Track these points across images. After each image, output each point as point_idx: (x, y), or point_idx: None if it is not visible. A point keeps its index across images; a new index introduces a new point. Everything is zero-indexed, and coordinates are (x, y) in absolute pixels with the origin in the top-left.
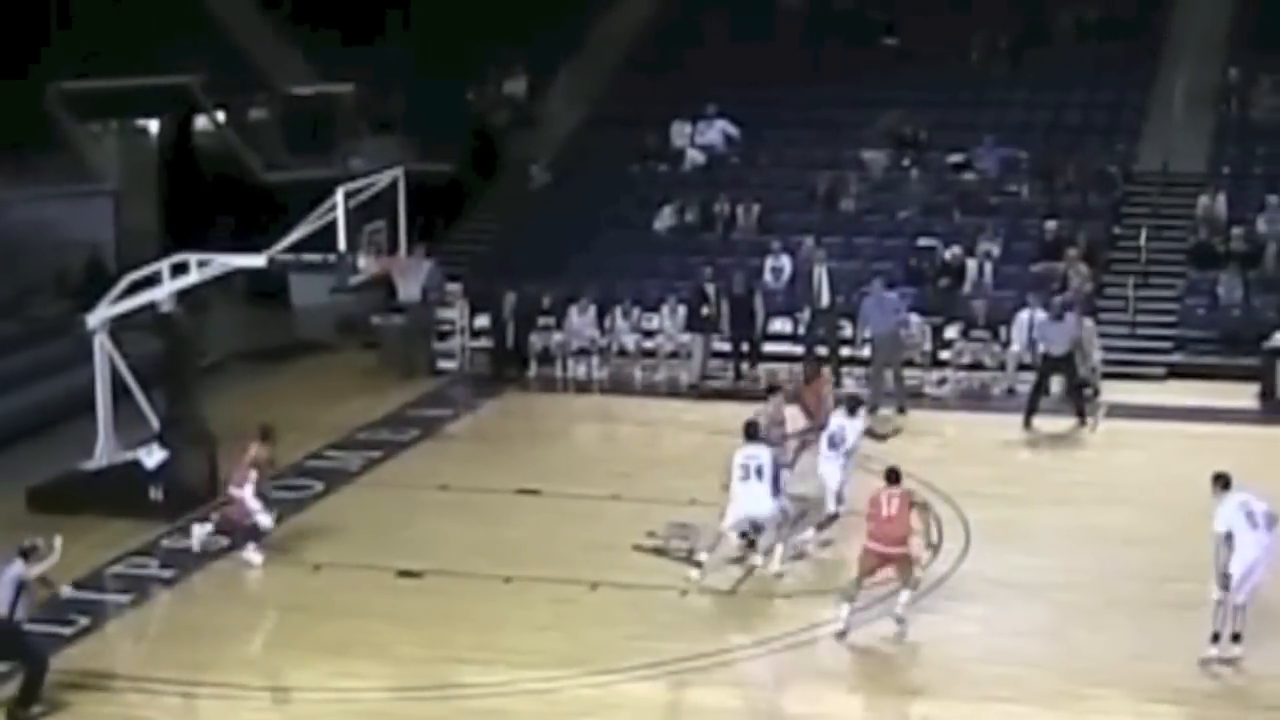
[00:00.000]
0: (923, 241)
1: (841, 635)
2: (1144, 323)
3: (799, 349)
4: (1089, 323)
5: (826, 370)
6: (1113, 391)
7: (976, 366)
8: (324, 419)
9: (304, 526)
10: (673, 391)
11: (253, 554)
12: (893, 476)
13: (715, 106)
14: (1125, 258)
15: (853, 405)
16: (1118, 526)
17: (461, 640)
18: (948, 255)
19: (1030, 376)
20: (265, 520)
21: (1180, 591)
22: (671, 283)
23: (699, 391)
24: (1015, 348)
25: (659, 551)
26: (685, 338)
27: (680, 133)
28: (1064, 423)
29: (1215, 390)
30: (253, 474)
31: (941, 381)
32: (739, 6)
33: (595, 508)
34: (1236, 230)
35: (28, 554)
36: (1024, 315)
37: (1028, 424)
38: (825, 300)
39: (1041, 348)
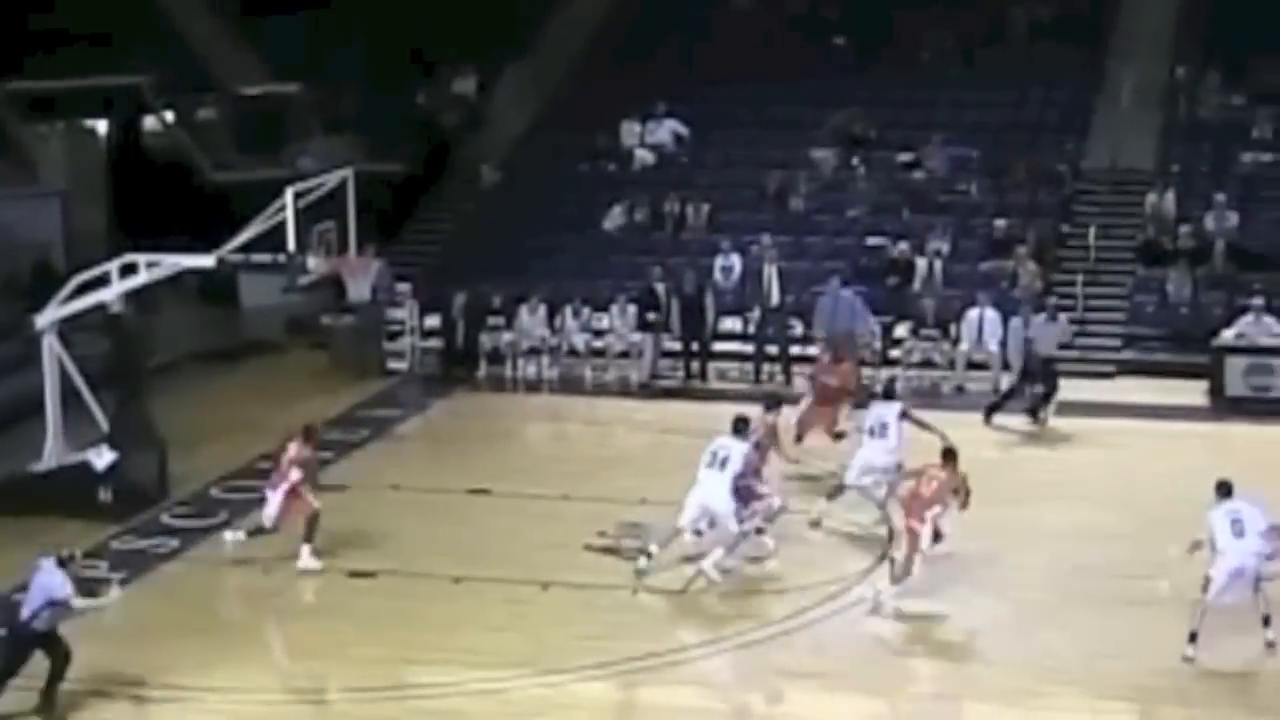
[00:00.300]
0: (872, 240)
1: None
2: (1093, 320)
3: (749, 348)
4: (1040, 319)
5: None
6: (1062, 389)
7: (926, 365)
8: (274, 420)
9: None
10: (623, 391)
11: (309, 559)
12: (947, 455)
13: (665, 106)
14: (1074, 255)
15: (888, 390)
16: (1073, 523)
17: (414, 640)
18: (897, 253)
19: (982, 374)
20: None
21: (1136, 589)
22: (621, 282)
23: (649, 391)
24: (964, 346)
25: (610, 551)
26: (635, 337)
27: (630, 132)
28: (1015, 420)
29: (1165, 387)
30: (295, 474)
31: (891, 380)
32: (689, 6)
33: (546, 507)
34: (1185, 228)
35: (65, 563)
36: (973, 313)
37: (988, 419)
38: (775, 299)
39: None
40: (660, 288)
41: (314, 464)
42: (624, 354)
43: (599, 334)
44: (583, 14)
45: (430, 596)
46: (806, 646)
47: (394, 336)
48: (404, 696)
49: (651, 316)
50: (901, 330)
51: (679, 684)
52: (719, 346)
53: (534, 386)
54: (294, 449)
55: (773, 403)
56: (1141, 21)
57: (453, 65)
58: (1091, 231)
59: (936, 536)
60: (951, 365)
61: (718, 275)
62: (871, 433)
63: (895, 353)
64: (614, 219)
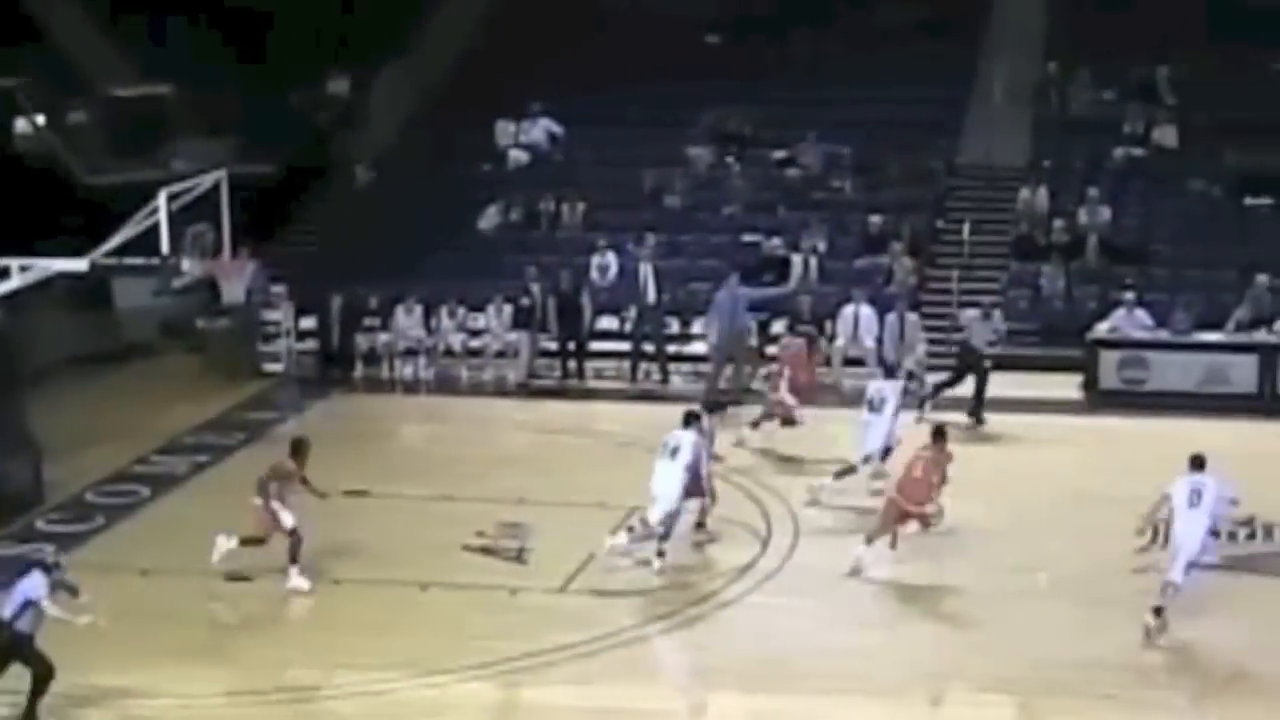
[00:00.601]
0: (748, 237)
1: (855, 573)
2: None
3: (626, 346)
4: (913, 316)
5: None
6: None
7: None
8: (150, 423)
9: (132, 532)
10: (500, 391)
11: (296, 579)
12: (936, 435)
13: (539, 105)
14: (949, 251)
15: (889, 369)
16: (950, 518)
17: (294, 643)
18: (773, 251)
19: (858, 370)
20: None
21: (1017, 582)
22: (497, 282)
23: (526, 390)
24: (840, 342)
25: (488, 551)
26: (512, 337)
27: (504, 131)
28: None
29: (1039, 381)
30: (273, 486)
31: (767, 377)
32: (564, 5)
33: (424, 508)
34: (1058, 222)
35: (50, 569)
36: (849, 309)
37: (922, 412)
38: (651, 297)
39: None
40: (536, 287)
41: (294, 478)
42: (501, 354)
43: (475, 334)
44: (458, 14)
45: (309, 599)
46: (688, 645)
47: (269, 338)
48: (285, 700)
49: (531, 309)
50: (778, 327)
51: (560, 684)
52: (596, 345)
53: (411, 387)
54: (281, 461)
55: (713, 406)
56: (1014, 19)
57: (328, 65)
58: (966, 227)
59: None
60: (828, 362)
61: (594, 274)
62: (871, 406)
63: (772, 349)
64: (489, 219)
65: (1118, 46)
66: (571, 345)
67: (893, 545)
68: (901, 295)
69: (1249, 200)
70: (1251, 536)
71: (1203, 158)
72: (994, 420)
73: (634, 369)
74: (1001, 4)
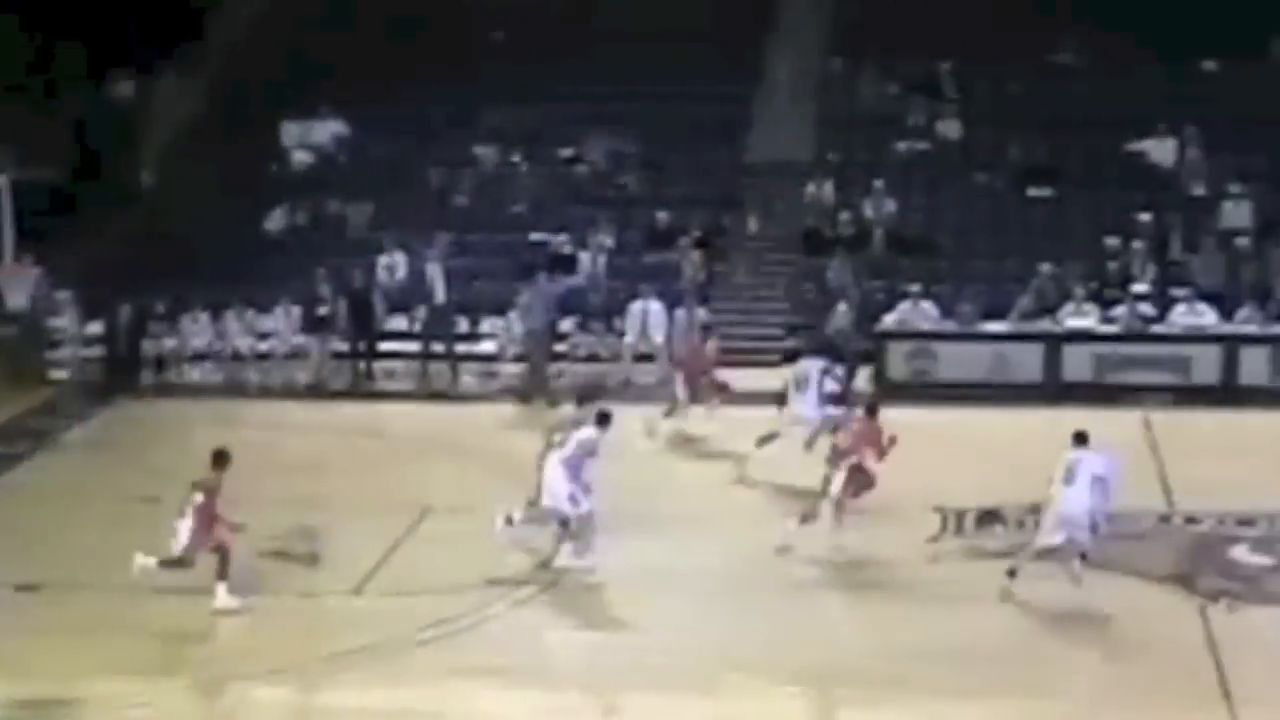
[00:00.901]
0: (535, 236)
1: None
2: (757, 309)
3: (416, 346)
4: (702, 311)
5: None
6: (729, 379)
7: (592, 359)
8: None
9: None
10: (291, 393)
11: (224, 598)
12: (870, 410)
13: (325, 106)
14: (737, 245)
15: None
16: (744, 511)
17: (85, 652)
18: (560, 248)
19: (648, 367)
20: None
21: (806, 574)
22: (285, 284)
23: (318, 392)
24: (629, 338)
25: (281, 554)
26: (301, 339)
27: (289, 133)
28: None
29: None
30: (198, 498)
31: (559, 374)
32: (349, 6)
33: None
34: (844, 216)
35: None
36: (637, 306)
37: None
38: (440, 297)
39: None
40: (325, 289)
41: (219, 491)
42: (291, 356)
43: (264, 337)
44: (242, 16)
45: (101, 607)
46: (486, 644)
47: (55, 345)
48: (74, 710)
49: (321, 311)
50: (567, 324)
51: (353, 686)
52: (386, 346)
53: (200, 392)
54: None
55: (585, 397)
56: (798, 14)
57: (109, 68)
58: (753, 222)
59: (868, 485)
60: (618, 359)
61: (382, 275)
62: (797, 386)
63: (561, 347)
64: (276, 221)
65: (901, 41)
66: (362, 346)
67: (814, 516)
68: (690, 291)
69: (1031, 191)
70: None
71: (986, 150)
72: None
73: (424, 369)
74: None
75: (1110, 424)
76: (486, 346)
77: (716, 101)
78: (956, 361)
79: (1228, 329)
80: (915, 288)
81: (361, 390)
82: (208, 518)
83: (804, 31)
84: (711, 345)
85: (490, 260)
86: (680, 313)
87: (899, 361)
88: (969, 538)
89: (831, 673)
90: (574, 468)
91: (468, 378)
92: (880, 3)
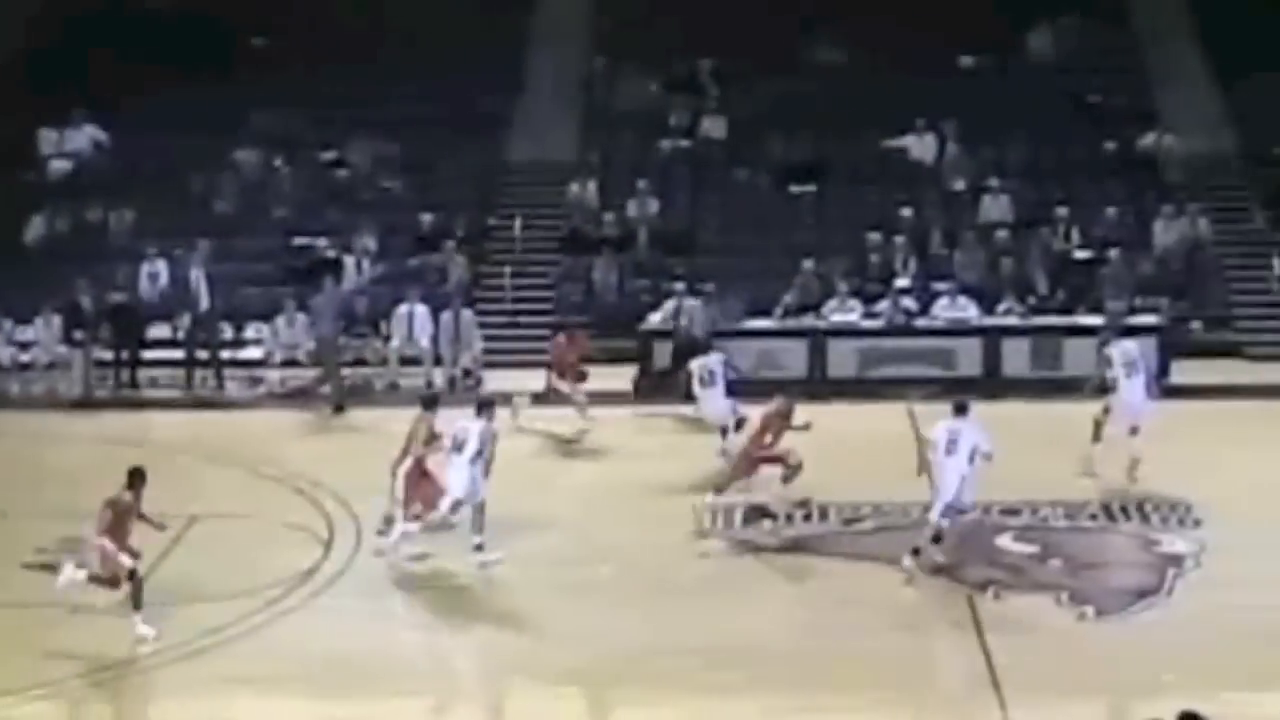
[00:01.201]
0: (298, 240)
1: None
2: (523, 310)
3: (179, 354)
4: (468, 313)
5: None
6: (497, 380)
7: (359, 363)
8: None
9: None
10: (54, 404)
11: (140, 627)
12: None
13: (83, 111)
14: (501, 248)
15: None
16: (508, 515)
17: None
18: (323, 252)
19: (415, 370)
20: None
21: (582, 574)
22: (46, 293)
23: (82, 402)
24: (395, 342)
25: (48, 568)
26: (63, 349)
27: (47, 140)
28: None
29: (595, 374)
30: (106, 516)
31: (320, 380)
32: (107, 11)
33: None
34: (608, 216)
35: None
36: (403, 309)
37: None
38: (204, 303)
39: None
40: (86, 298)
41: (133, 512)
42: (52, 366)
43: (25, 347)
44: None
45: None
46: (255, 652)
47: None
48: None
49: (79, 335)
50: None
51: (124, 698)
52: (150, 354)
53: None
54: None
55: (429, 401)
56: (559, 14)
57: None
58: (517, 223)
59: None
60: (384, 362)
61: (144, 282)
62: (702, 382)
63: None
64: (35, 229)
65: (663, 40)
66: (125, 355)
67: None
68: (456, 293)
69: (794, 188)
70: (808, 518)
71: (748, 148)
72: (549, 414)
73: (189, 376)
74: None
75: (875, 417)
76: (252, 353)
77: (479, 102)
78: None
79: (989, 321)
80: (679, 286)
81: (125, 399)
82: (122, 538)
83: (565, 31)
84: (576, 340)
85: (254, 266)
86: (446, 316)
87: (664, 360)
88: (737, 533)
89: (602, 671)
90: (487, 461)
91: (232, 384)
92: (641, 2)
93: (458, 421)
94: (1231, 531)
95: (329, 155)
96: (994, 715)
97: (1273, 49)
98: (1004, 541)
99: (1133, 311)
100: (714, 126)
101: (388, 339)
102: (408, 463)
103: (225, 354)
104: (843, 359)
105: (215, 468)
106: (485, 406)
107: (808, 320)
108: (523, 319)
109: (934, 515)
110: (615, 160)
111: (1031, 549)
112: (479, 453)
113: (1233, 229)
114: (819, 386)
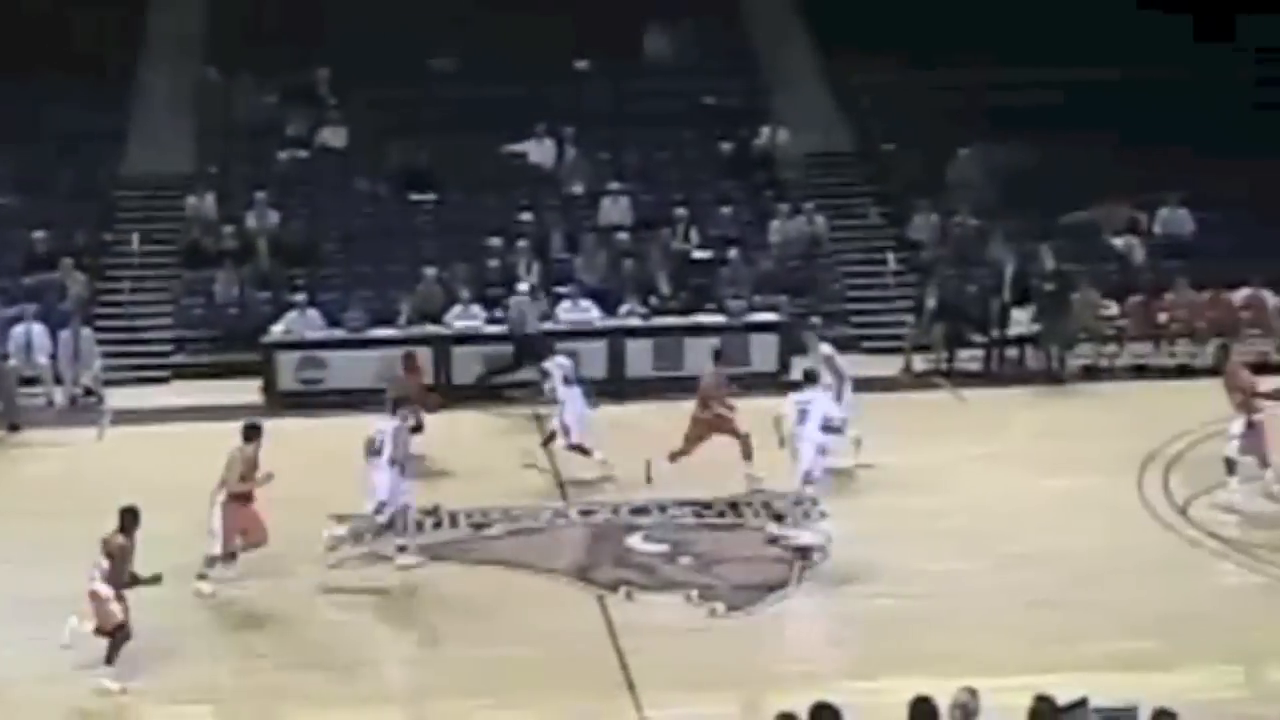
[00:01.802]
0: None
1: None
2: (142, 326)
3: None
4: (87, 331)
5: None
6: (119, 398)
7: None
8: None
9: None
10: None
11: (109, 682)
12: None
13: None
14: (119, 263)
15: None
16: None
17: None
18: None
19: (33, 390)
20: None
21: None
22: None
23: None
24: (14, 362)
25: None
26: None
27: None
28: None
29: (219, 388)
30: (105, 563)
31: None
32: None
33: None
34: (228, 229)
35: None
36: (19, 329)
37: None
38: None
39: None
40: None
41: (128, 555)
42: None
43: None
44: None
45: None
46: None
47: None
48: None
49: None
50: None
51: None
52: None
53: None
54: (111, 536)
55: (251, 431)
56: (170, 24)
57: None
58: (135, 238)
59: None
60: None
61: None
62: (566, 381)
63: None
64: None
65: (278, 50)
66: None
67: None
68: (75, 311)
69: (414, 196)
70: (438, 525)
71: (367, 157)
72: (177, 430)
73: None
74: (159, 8)
75: (500, 422)
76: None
77: (92, 116)
78: (346, 369)
79: (612, 323)
80: (300, 296)
81: None
82: (112, 589)
83: (177, 41)
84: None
85: None
86: (65, 334)
87: (288, 372)
88: (367, 544)
89: (418, 687)
90: (410, 459)
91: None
92: (254, 11)
93: (374, 424)
94: (857, 523)
95: None
96: (629, 717)
97: (883, 48)
98: (634, 541)
99: (753, 309)
100: (333, 136)
101: (5, 358)
102: (222, 494)
103: None
104: (468, 365)
105: None
106: (399, 404)
107: (431, 328)
108: (143, 335)
109: (796, 483)
110: (233, 172)
111: (661, 548)
112: (393, 455)
113: (848, 226)
114: (445, 393)
